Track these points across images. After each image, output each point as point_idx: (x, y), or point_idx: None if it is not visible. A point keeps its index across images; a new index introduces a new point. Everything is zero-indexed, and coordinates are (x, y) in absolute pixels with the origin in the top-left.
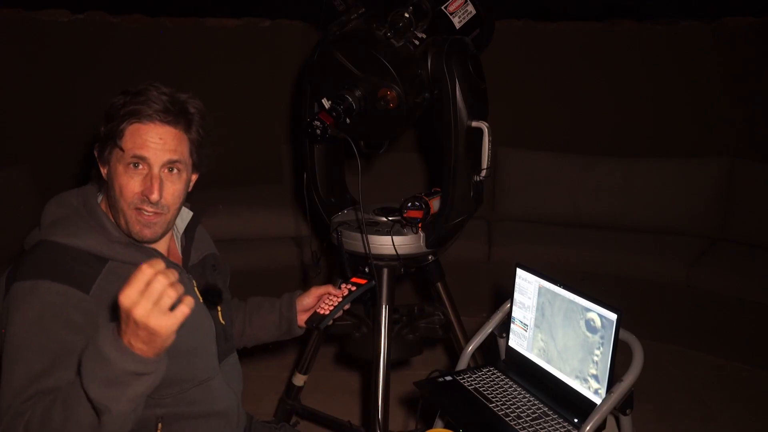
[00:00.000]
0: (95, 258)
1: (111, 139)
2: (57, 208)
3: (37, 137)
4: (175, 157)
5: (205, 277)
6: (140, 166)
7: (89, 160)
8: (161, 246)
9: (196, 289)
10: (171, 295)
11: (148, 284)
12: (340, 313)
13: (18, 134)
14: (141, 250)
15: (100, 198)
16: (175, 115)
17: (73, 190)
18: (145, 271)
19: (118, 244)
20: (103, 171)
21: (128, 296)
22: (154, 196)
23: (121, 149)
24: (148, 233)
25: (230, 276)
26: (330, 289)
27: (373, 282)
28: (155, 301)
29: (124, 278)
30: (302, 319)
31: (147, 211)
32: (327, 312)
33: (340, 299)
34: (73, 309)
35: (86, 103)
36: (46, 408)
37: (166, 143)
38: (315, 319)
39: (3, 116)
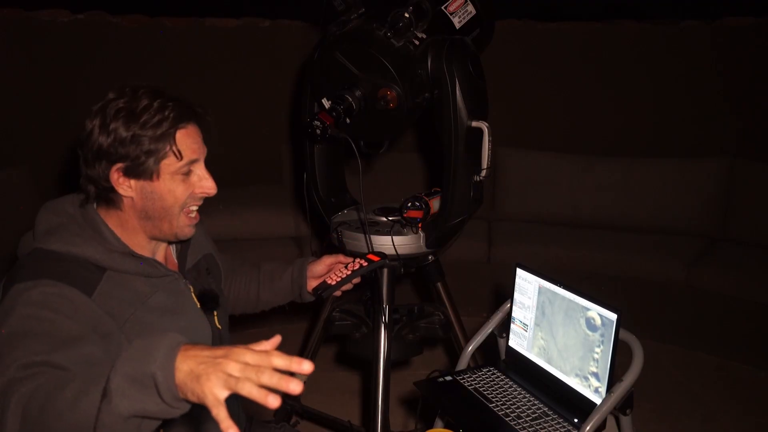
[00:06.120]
0: (93, 266)
1: (156, 153)
2: (51, 216)
3: (37, 137)
4: (206, 149)
5: (201, 281)
6: (190, 170)
7: (80, 172)
8: (159, 254)
9: (193, 294)
10: (264, 384)
11: (261, 365)
12: (350, 286)
13: (18, 134)
14: (140, 260)
15: (95, 206)
16: (190, 108)
17: (67, 196)
18: (273, 359)
19: (116, 253)
20: (130, 186)
21: (244, 354)
22: (215, 189)
23: (179, 157)
24: (192, 230)
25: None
26: (341, 258)
27: (386, 261)
28: (248, 378)
29: (123, 286)
30: (312, 285)
31: (196, 206)
32: (334, 282)
33: (349, 272)
34: (75, 308)
35: (86, 103)
36: (59, 383)
37: (200, 138)
38: (321, 287)
39: (3, 116)
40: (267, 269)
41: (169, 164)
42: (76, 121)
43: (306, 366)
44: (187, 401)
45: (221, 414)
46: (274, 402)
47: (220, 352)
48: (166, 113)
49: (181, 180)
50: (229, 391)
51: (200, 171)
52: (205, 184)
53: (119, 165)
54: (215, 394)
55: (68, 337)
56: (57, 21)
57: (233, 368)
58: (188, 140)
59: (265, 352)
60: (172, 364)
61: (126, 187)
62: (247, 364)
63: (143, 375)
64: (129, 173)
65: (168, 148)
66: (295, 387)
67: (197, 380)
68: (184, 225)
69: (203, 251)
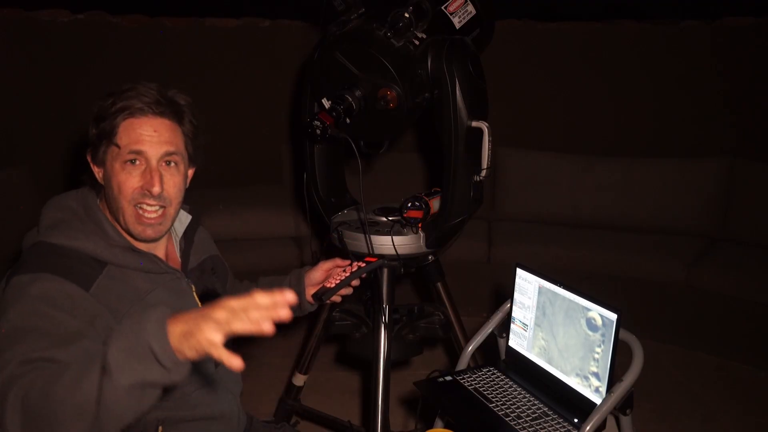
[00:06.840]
0: (94, 261)
1: (105, 138)
2: (55, 212)
3: (37, 137)
4: (171, 149)
5: (204, 281)
6: (138, 162)
7: (82, 165)
8: (160, 250)
9: (195, 294)
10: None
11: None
12: (349, 290)
13: (18, 134)
14: (141, 256)
15: (98, 201)
16: (166, 106)
17: (71, 192)
18: (261, 302)
19: (117, 248)
20: (99, 173)
21: (228, 302)
22: (156, 189)
23: (117, 146)
24: (150, 233)
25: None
26: (338, 261)
27: (384, 261)
28: (238, 317)
29: (123, 281)
30: (311, 293)
31: (149, 205)
32: (333, 285)
33: (347, 274)
34: (73, 302)
35: (86, 102)
36: (57, 372)
37: (161, 135)
38: (321, 291)
39: (3, 116)
40: (264, 281)
41: (113, 151)
42: (76, 120)
43: (290, 295)
44: (188, 362)
45: (221, 354)
46: (268, 328)
47: (206, 308)
48: (123, 99)
49: (129, 171)
50: (223, 334)
51: (147, 165)
52: (146, 178)
53: (89, 149)
54: (209, 339)
55: (67, 333)
56: (57, 21)
57: (221, 315)
58: (138, 130)
59: (248, 295)
60: (164, 330)
61: (97, 172)
62: (233, 309)
63: (139, 345)
64: (94, 159)
65: (112, 133)
66: (284, 313)
67: (191, 335)
68: (133, 221)
69: (209, 252)
